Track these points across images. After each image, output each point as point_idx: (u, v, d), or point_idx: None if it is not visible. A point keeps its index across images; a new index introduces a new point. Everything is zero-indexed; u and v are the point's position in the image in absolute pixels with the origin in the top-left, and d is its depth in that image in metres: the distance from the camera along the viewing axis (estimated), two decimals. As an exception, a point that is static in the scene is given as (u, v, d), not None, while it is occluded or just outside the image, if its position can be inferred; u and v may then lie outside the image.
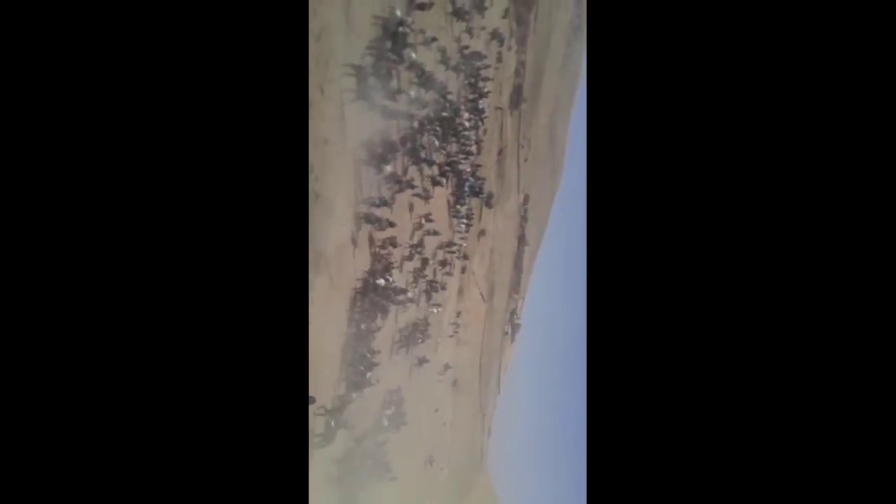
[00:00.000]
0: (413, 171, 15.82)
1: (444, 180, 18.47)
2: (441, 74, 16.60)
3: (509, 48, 27.13)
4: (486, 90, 21.11)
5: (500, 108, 28.79)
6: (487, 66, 20.88)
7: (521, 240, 43.18)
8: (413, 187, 15.72)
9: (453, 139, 18.03)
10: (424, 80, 14.64)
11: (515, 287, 44.50)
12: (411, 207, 16.85)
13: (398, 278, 15.30)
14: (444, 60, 16.77)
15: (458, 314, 28.41)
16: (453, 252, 22.52)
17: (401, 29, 12.43)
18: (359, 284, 13.27)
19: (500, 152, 30.89)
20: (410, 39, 12.99)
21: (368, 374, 13.35)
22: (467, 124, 19.18)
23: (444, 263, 21.41)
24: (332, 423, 11.31)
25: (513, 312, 45.76)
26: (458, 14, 17.44)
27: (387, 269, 14.11)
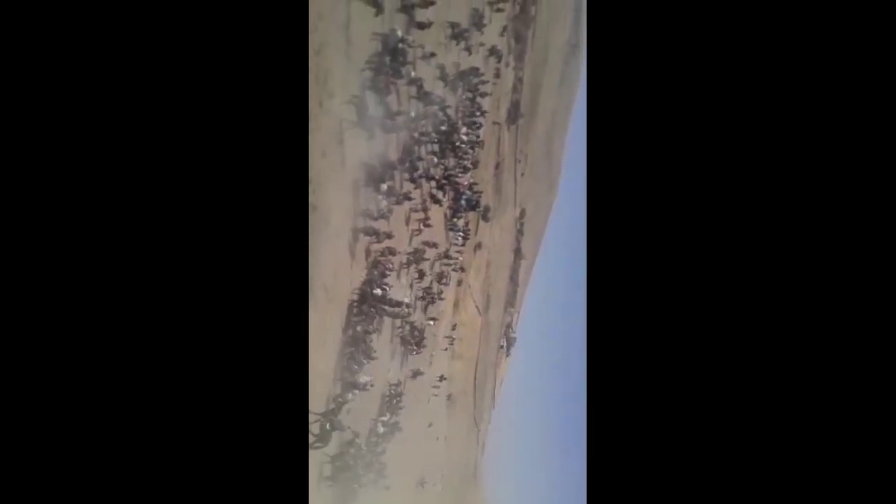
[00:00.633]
0: (410, 185, 15.93)
1: (441, 194, 18.61)
2: (439, 90, 16.82)
3: (507, 64, 27.51)
4: (483, 108, 21.36)
5: (498, 123, 29.08)
6: (485, 82, 21.15)
7: (518, 253, 43.30)
8: (410, 199, 15.84)
9: (451, 154, 18.19)
10: (422, 95, 14.83)
11: (511, 300, 44.49)
12: (408, 220, 16.94)
13: (395, 291, 15.33)
14: (443, 77, 17.01)
15: (454, 327, 28.37)
16: (450, 265, 22.57)
17: (400, 45, 12.63)
18: (355, 296, 13.28)
19: (498, 166, 31.14)
20: (409, 56, 13.19)
21: (362, 380, 13.29)
22: (465, 139, 19.38)
23: (440, 276, 21.45)
24: (328, 426, 11.28)
25: (508, 326, 45.68)
26: (457, 35, 17.73)
27: (383, 275, 14.14)
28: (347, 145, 11.90)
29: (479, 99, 20.73)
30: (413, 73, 13.67)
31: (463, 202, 21.15)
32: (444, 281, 21.95)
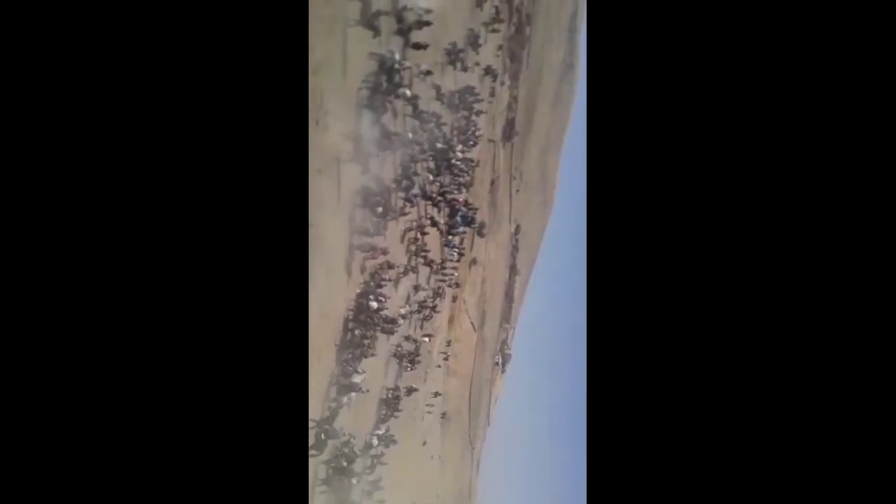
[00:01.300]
0: (406, 203, 15.99)
1: (436, 211, 18.69)
2: (435, 108, 17.01)
3: (502, 83, 27.87)
4: (479, 126, 21.59)
5: (493, 141, 29.35)
6: (481, 101, 21.41)
7: (513, 269, 43.32)
8: (406, 213, 15.89)
9: (446, 171, 18.32)
10: (418, 113, 15.00)
11: (506, 316, 44.37)
12: (404, 237, 16.97)
13: (390, 306, 15.28)
14: (439, 96, 17.22)
15: (449, 343, 28.20)
16: (444, 280, 22.55)
17: (396, 66, 12.81)
18: (351, 313, 13.24)
19: (493, 183, 31.32)
20: (406, 76, 13.37)
21: (353, 396, 13.14)
22: (460, 156, 19.54)
23: (436, 293, 21.41)
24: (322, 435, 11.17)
25: (503, 342, 45.49)
26: (454, 60, 18.01)
27: (379, 286, 14.13)
28: (343, 163, 11.99)
29: (474, 117, 20.96)
30: (409, 93, 13.84)
31: (458, 219, 21.23)
32: (439, 297, 21.91)
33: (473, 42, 20.54)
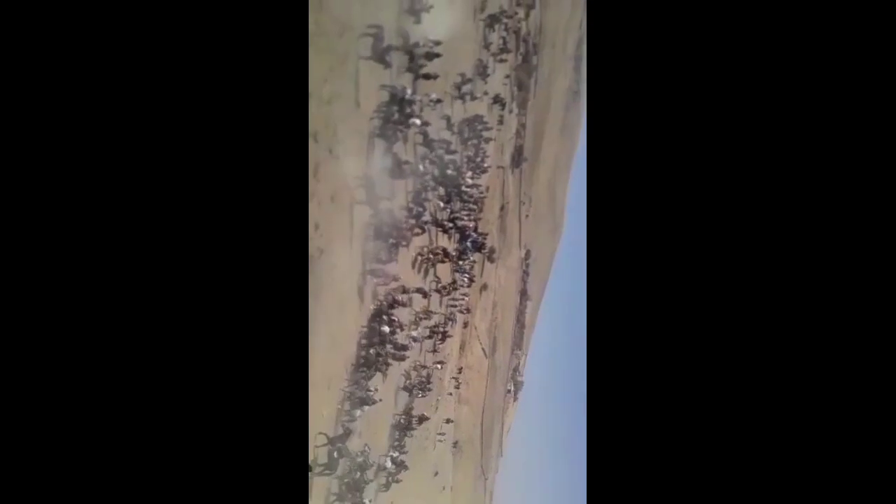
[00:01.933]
0: (418, 230, 16.15)
1: (447, 237, 18.84)
2: (445, 136, 17.34)
3: (510, 111, 28.38)
4: (487, 153, 21.92)
5: (502, 168, 29.69)
6: (490, 128, 21.79)
7: (524, 294, 43.13)
8: (417, 234, 16.02)
9: (456, 198, 18.53)
10: (428, 142, 15.30)
11: (518, 343, 43.93)
12: (415, 263, 17.07)
13: (402, 332, 15.27)
14: (449, 126, 17.58)
15: (460, 370, 27.92)
16: (455, 306, 22.50)
17: (407, 97, 13.15)
18: (363, 339, 13.25)
19: (502, 209, 31.54)
20: (416, 106, 13.70)
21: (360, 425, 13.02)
22: (470, 182, 19.79)
23: (447, 318, 21.35)
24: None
25: (515, 369, 44.91)
26: (463, 94, 18.48)
27: (391, 306, 14.17)
28: (355, 190, 12.20)
29: (483, 145, 21.30)
30: (419, 122, 14.15)
31: (469, 244, 21.33)
32: (450, 322, 21.83)
33: (482, 72, 21.05)
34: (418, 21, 13.84)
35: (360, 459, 12.81)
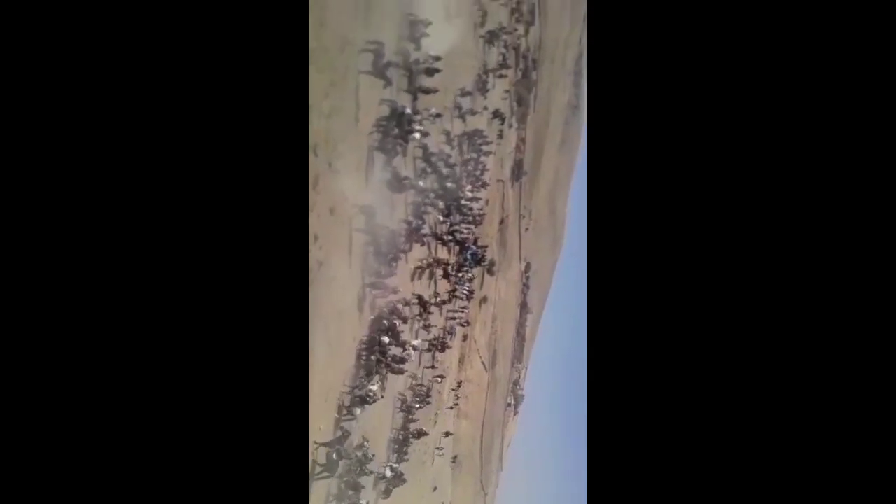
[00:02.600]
0: (417, 243, 16.20)
1: (446, 249, 18.88)
2: (445, 150, 17.49)
3: (510, 126, 28.61)
4: (487, 166, 22.06)
5: (502, 181, 29.84)
6: (489, 142, 21.96)
7: (524, 307, 43.01)
8: (419, 243, 16.05)
9: (456, 211, 18.61)
10: (428, 156, 15.42)
11: (518, 356, 43.69)
12: (414, 275, 17.09)
13: (402, 342, 15.24)
14: (449, 141, 17.73)
15: (460, 384, 27.75)
16: (455, 318, 22.46)
17: (407, 111, 13.29)
18: (363, 352, 13.23)
19: (502, 222, 31.62)
20: (416, 121, 13.84)
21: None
22: (469, 195, 19.89)
23: (447, 331, 21.30)
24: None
25: (515, 382, 44.60)
26: (463, 114, 18.68)
27: (390, 323, 14.16)
28: (355, 204, 12.29)
29: (482, 158, 21.45)
30: (419, 136, 14.28)
31: (468, 256, 21.36)
32: (449, 335, 21.77)
33: (482, 87, 21.29)
34: (418, 46, 14.03)
35: (359, 454, 12.72)
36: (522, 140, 33.00)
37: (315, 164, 10.57)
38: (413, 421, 17.95)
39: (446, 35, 15.64)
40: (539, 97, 35.95)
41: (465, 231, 19.97)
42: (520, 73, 30.23)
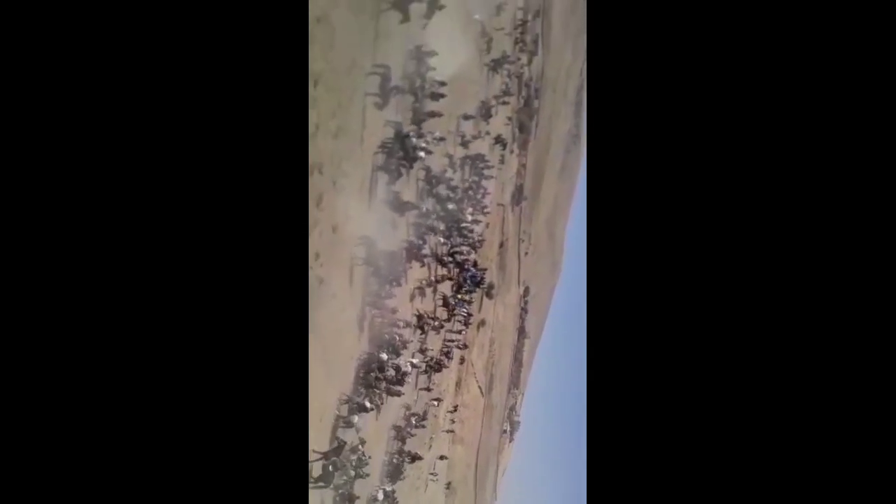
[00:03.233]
0: (416, 264, 16.27)
1: (445, 271, 18.93)
2: (447, 173, 17.72)
3: (511, 151, 29.04)
4: (488, 190, 22.30)
5: (503, 205, 30.10)
6: (491, 167, 22.26)
7: (522, 332, 42.75)
8: (419, 263, 16.08)
9: (456, 233, 18.75)
10: (430, 178, 15.62)
11: (515, 381, 43.22)
12: (413, 297, 17.08)
13: (399, 364, 15.14)
14: (451, 164, 18.00)
15: (455, 409, 27.38)
16: (453, 342, 22.33)
17: (411, 133, 13.54)
18: (361, 370, 13.16)
19: (502, 245, 31.76)
20: (419, 144, 14.07)
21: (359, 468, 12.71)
22: (469, 218, 20.05)
23: (444, 353, 21.16)
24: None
25: (512, 408, 43.97)
26: (465, 143, 19.01)
27: (388, 343, 14.10)
28: (357, 223, 12.39)
29: (484, 182, 21.71)
30: (423, 156, 14.49)
31: (468, 279, 21.38)
32: (446, 357, 21.61)
33: (485, 113, 21.70)
34: (424, 67, 14.37)
35: (353, 457, 12.45)
36: (523, 166, 33.43)
37: (319, 182, 10.71)
38: (410, 436, 17.68)
39: (452, 61, 16.03)
40: (540, 125, 36.57)
41: (466, 253, 20.07)
42: (522, 101, 30.84)
